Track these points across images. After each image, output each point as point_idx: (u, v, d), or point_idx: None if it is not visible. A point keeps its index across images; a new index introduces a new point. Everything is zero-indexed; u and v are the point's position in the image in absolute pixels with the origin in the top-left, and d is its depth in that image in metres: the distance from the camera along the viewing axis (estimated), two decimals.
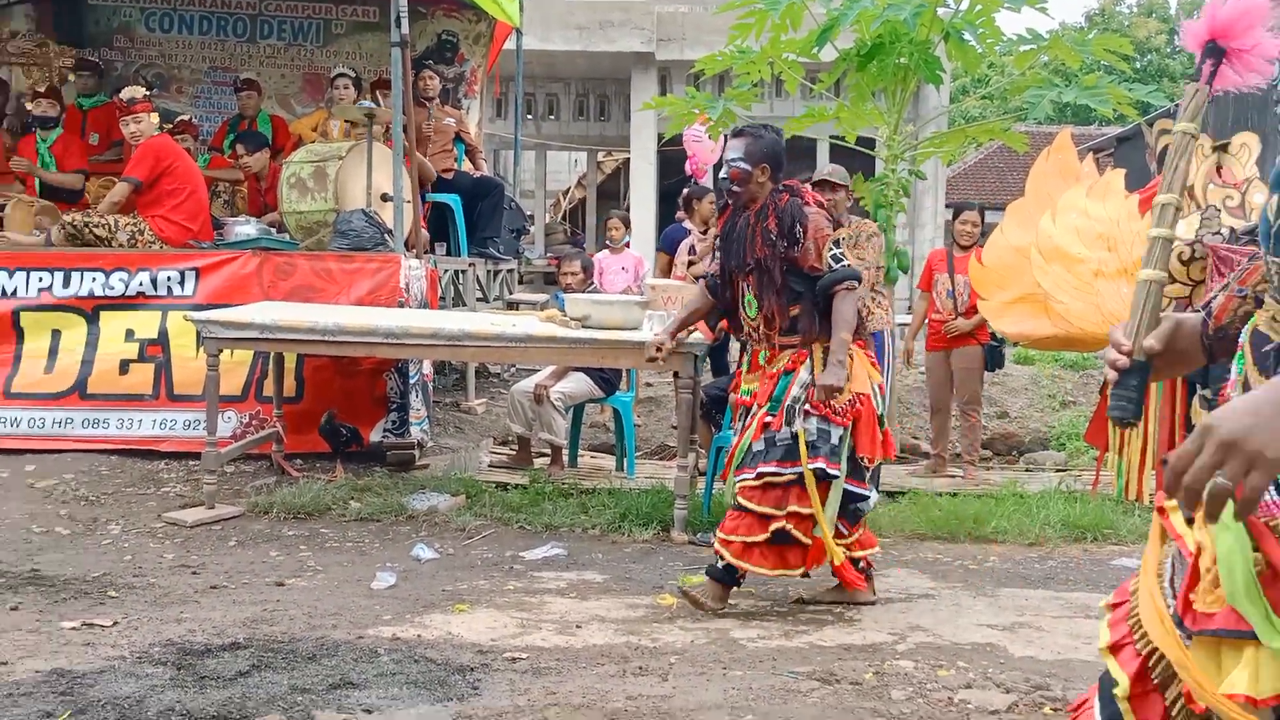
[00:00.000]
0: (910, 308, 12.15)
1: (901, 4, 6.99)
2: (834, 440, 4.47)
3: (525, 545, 5.59)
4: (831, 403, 4.44)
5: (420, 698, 3.50)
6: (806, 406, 4.48)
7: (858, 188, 7.65)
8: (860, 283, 4.63)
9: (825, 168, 7.11)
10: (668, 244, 9.31)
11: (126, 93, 7.39)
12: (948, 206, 16.82)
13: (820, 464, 4.42)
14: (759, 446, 4.52)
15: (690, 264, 8.76)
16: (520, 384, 7.29)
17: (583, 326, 5.98)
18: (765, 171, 4.65)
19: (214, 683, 3.57)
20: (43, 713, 3.29)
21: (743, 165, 4.62)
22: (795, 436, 4.45)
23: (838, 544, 4.52)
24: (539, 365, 7.54)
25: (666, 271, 8.87)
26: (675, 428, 8.38)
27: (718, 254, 4.87)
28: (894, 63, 7.52)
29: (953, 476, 7.49)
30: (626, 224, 9.65)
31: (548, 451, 7.20)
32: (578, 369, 7.01)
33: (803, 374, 4.53)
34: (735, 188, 4.66)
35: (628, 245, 9.66)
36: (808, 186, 4.86)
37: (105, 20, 10.47)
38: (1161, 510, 1.69)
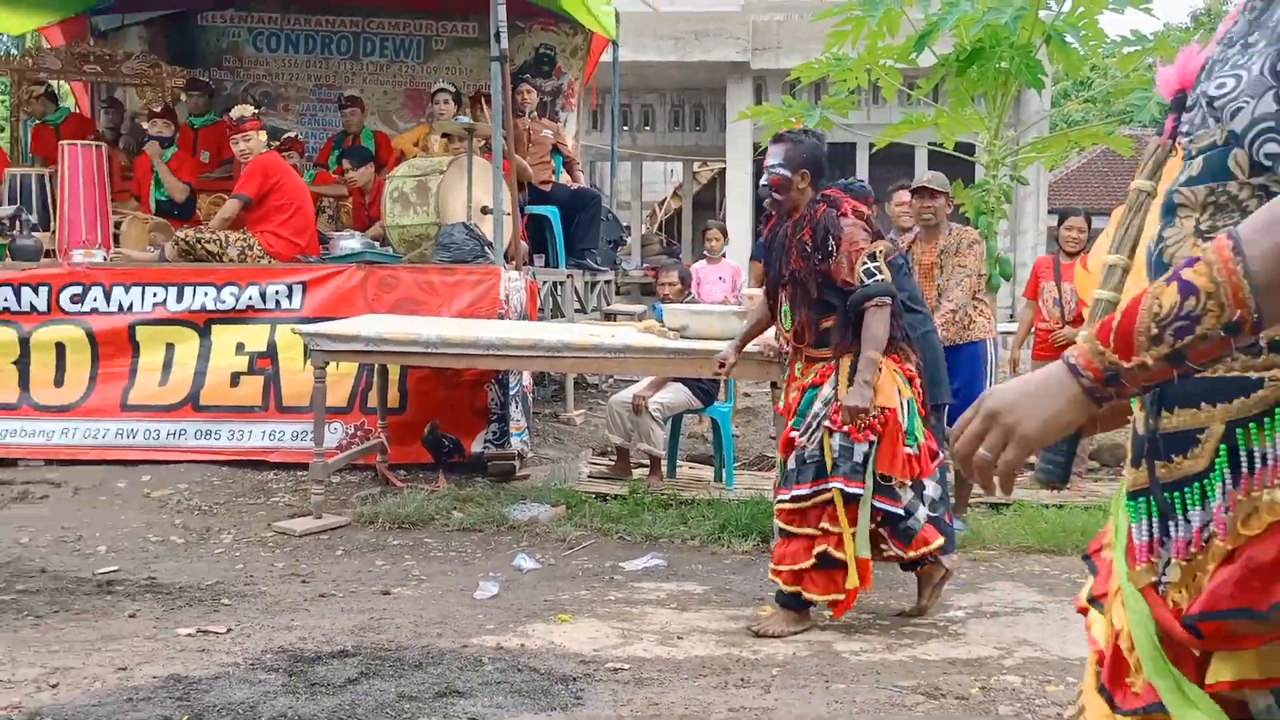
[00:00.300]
0: (1013, 315, 11.96)
1: (1002, 7, 6.88)
2: (856, 458, 4.33)
3: (625, 556, 5.62)
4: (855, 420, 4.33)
5: (524, 707, 3.54)
6: (827, 423, 4.38)
7: (957, 194, 7.55)
8: (893, 299, 4.49)
9: (924, 174, 7.03)
10: (759, 253, 9.28)
11: (236, 111, 7.61)
12: (1051, 212, 16.52)
13: (839, 483, 4.31)
14: (792, 465, 4.44)
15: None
16: (618, 395, 7.32)
17: (681, 337, 5.99)
18: (805, 178, 4.55)
19: (324, 689, 3.65)
20: (161, 717, 3.40)
21: (782, 171, 4.53)
22: (823, 453, 4.36)
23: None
24: (637, 376, 7.56)
25: (761, 280, 8.84)
26: (774, 438, 8.36)
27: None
28: (994, 67, 7.41)
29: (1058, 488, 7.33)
30: (725, 234, 9.63)
31: (646, 462, 7.22)
32: (676, 379, 7.02)
33: (826, 389, 4.43)
34: (775, 195, 4.57)
35: (724, 255, 9.66)
36: (855, 193, 4.72)
37: (215, 41, 10.78)
38: (1082, 609, 1.64)
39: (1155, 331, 1.29)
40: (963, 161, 8.86)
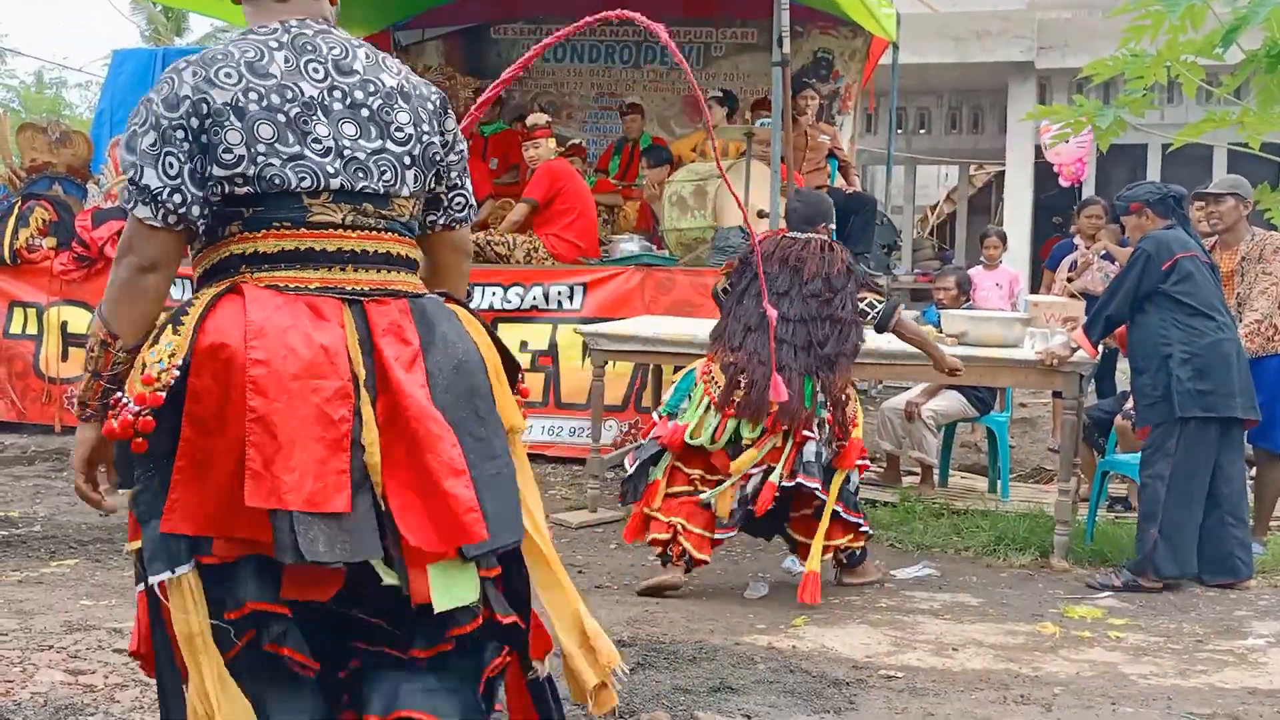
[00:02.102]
0: None
1: None
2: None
3: (896, 564, 5.54)
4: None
5: (797, 707, 3.56)
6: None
7: (1264, 198, 7.07)
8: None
9: (1225, 178, 6.62)
10: (1053, 262, 8.98)
11: (530, 119, 7.94)
12: None
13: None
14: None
15: (1069, 280, 8.40)
16: (891, 401, 7.23)
17: (959, 343, 5.87)
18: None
19: None
20: None
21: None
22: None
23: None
24: (910, 382, 7.44)
25: (1050, 290, 8.56)
26: (1053, 450, 8.05)
27: None
28: None
29: None
30: (1004, 241, 9.37)
31: (917, 470, 7.10)
32: (951, 387, 6.87)
33: None
34: None
35: (1001, 262, 9.39)
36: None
37: (505, 52, 11.26)
38: None
39: None
40: (1268, 163, 8.28)
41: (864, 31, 10.01)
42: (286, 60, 2.19)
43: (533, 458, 6.99)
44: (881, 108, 13.02)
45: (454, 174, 2.41)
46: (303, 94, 2.18)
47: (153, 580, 2.12)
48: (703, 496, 4.79)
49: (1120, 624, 4.65)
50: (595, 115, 11.08)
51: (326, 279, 2.19)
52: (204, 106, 2.12)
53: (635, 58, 10.96)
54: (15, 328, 8.27)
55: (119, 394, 2.13)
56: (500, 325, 7.42)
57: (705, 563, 4.88)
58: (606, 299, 7.32)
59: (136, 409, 2.08)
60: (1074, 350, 5.43)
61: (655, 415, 5.09)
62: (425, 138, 2.29)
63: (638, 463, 4.96)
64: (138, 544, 2.17)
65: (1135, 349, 5.36)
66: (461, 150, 2.42)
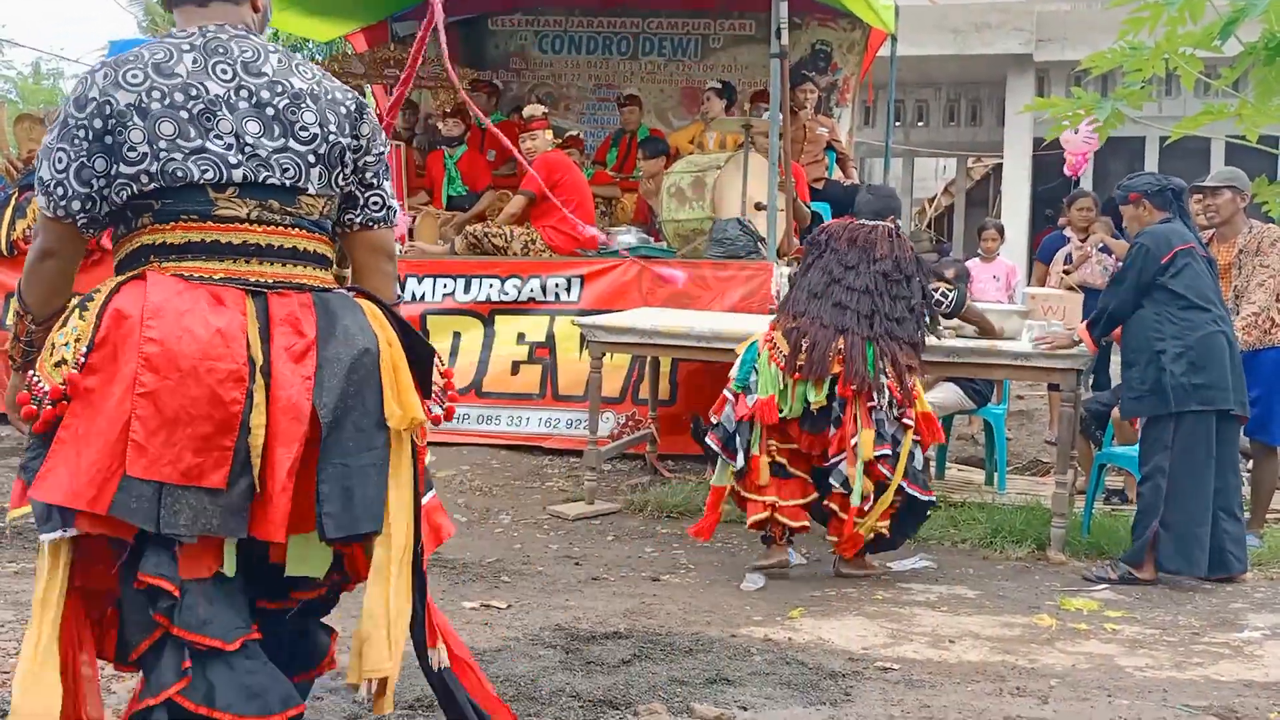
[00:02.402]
0: None
1: None
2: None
3: (892, 555, 5.53)
4: None
5: (794, 700, 3.56)
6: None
7: (1262, 190, 7.07)
8: None
9: (1222, 171, 6.62)
10: (1044, 254, 8.97)
11: (527, 111, 7.92)
12: None
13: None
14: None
15: (1065, 273, 8.40)
16: None
17: (956, 335, 5.87)
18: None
19: (599, 668, 3.77)
20: None
21: None
22: None
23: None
24: None
25: (1043, 282, 8.56)
26: (1050, 443, 8.06)
27: None
28: None
29: None
30: (1001, 234, 9.36)
31: None
32: (948, 379, 6.86)
33: None
34: None
35: (998, 255, 9.38)
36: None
37: (503, 44, 11.25)
38: None
39: None
40: (1266, 156, 8.28)
41: (862, 23, 10.00)
42: (195, 61, 2.32)
43: (530, 449, 7.07)
44: (880, 100, 13.02)
45: (370, 175, 2.51)
46: (208, 92, 2.31)
47: (44, 539, 2.26)
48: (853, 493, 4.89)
49: (1116, 616, 4.65)
50: (593, 107, 11.06)
51: (231, 270, 2.32)
52: (108, 108, 2.26)
53: (633, 49, 10.94)
54: (11, 318, 8.25)
55: (33, 374, 2.31)
56: (498, 317, 7.42)
57: (806, 529, 5.11)
58: (604, 291, 7.32)
59: (51, 403, 2.23)
60: (1076, 342, 5.44)
61: (727, 393, 5.15)
62: (332, 138, 2.39)
63: (721, 441, 5.08)
64: (23, 511, 2.30)
65: (1127, 341, 5.37)
66: (380, 152, 2.52)
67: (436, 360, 2.55)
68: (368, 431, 2.32)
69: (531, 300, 7.41)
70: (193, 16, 2.42)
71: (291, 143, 2.35)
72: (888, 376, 4.90)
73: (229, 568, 2.31)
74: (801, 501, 5.04)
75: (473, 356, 7.43)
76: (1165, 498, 5.09)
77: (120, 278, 2.33)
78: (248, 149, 2.31)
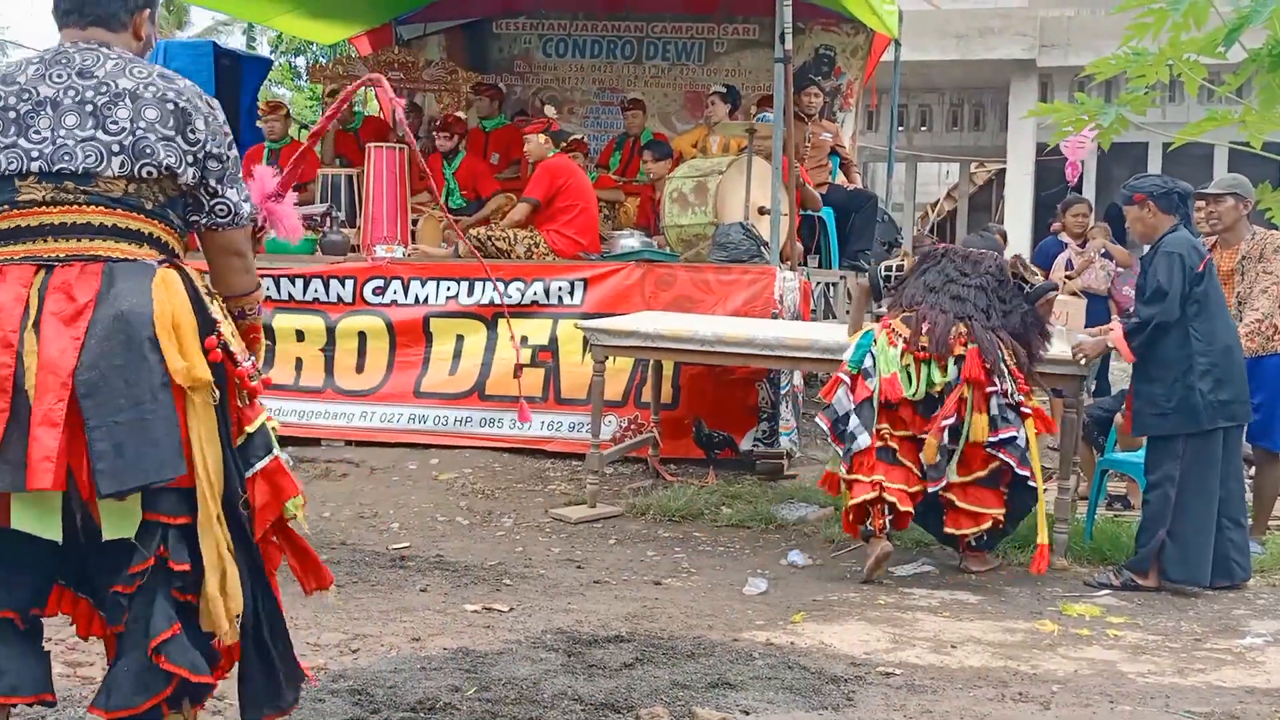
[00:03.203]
0: None
1: None
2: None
3: (895, 560, 5.52)
4: None
5: (796, 704, 3.56)
6: None
7: (1265, 197, 7.06)
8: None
9: (1225, 178, 6.62)
10: (1042, 259, 8.96)
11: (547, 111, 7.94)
12: None
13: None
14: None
15: (1067, 278, 8.40)
16: None
17: None
18: None
19: (601, 672, 3.77)
20: (451, 687, 3.59)
21: None
22: None
23: None
24: None
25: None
26: (1053, 448, 8.04)
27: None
28: None
29: None
30: (1005, 239, 9.37)
31: None
32: None
33: None
34: None
35: None
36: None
37: (507, 47, 11.27)
38: None
39: None
40: (1269, 162, 8.28)
41: (866, 28, 10.02)
42: (36, 69, 2.59)
43: (532, 452, 7.08)
44: (883, 105, 13.01)
45: (213, 181, 2.67)
46: (38, 95, 2.56)
47: None
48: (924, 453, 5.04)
49: (1119, 622, 4.65)
50: (596, 110, 11.07)
51: (30, 249, 2.54)
52: None
53: (637, 53, 10.95)
54: None
55: None
56: (500, 320, 7.41)
57: (910, 515, 5.14)
58: (607, 294, 7.31)
59: None
60: (1109, 349, 5.46)
61: (842, 375, 5.22)
62: (140, 132, 2.56)
63: (833, 421, 5.19)
64: None
65: (1148, 355, 5.22)
66: (222, 159, 2.68)
67: (229, 335, 2.65)
68: (140, 387, 2.45)
69: (535, 303, 7.39)
70: (73, 38, 2.65)
71: (99, 133, 2.54)
72: (1006, 365, 5.07)
73: (54, 534, 2.49)
74: (907, 488, 5.07)
75: (476, 360, 7.42)
76: (1174, 507, 5.08)
77: None
78: (58, 140, 2.53)
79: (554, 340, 7.31)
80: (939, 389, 5.06)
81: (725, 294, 7.15)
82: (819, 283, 8.27)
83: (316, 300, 7.64)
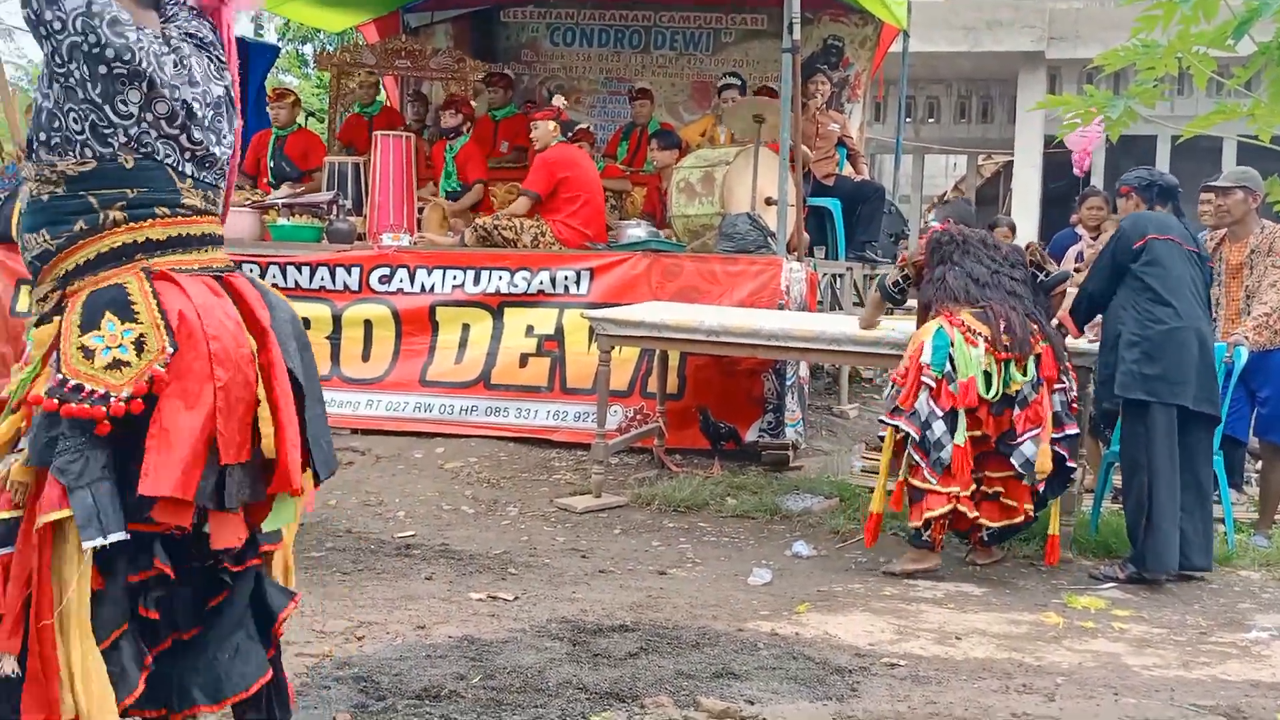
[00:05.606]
0: None
1: None
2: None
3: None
4: None
5: (800, 694, 3.56)
6: None
7: (1274, 191, 7.04)
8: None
9: (1234, 171, 6.60)
10: (1055, 251, 8.94)
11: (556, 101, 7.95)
12: None
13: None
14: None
15: (1076, 270, 8.37)
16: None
17: None
18: None
19: (606, 661, 3.78)
20: (456, 675, 3.60)
21: None
22: None
23: None
24: None
25: None
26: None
27: None
28: None
29: None
30: (1013, 231, 9.35)
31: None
32: None
33: None
34: None
35: None
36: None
37: (515, 36, 11.26)
38: None
39: None
40: (1279, 156, 8.26)
41: (874, 19, 10.00)
42: None
43: (538, 442, 7.08)
44: (891, 96, 13.01)
45: None
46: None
47: (86, 545, 2.26)
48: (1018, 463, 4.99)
49: (1124, 615, 4.65)
50: (604, 100, 11.06)
51: (200, 260, 2.55)
52: None
53: (645, 42, 10.94)
54: (22, 305, 8.26)
55: (61, 377, 2.29)
56: (507, 309, 7.42)
57: (979, 521, 5.12)
58: (613, 284, 7.30)
59: (123, 402, 2.29)
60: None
61: (927, 379, 5.01)
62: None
63: (919, 428, 5.00)
64: (63, 513, 2.26)
65: (1102, 329, 5.41)
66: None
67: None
68: (318, 384, 2.63)
69: (541, 293, 7.39)
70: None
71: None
72: (1067, 363, 5.13)
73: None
74: (969, 493, 5.03)
75: (482, 349, 7.41)
76: (1144, 492, 5.08)
77: (121, 276, 2.40)
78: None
79: (560, 330, 7.30)
80: (1016, 388, 4.99)
81: (731, 284, 7.14)
82: (825, 274, 8.26)
83: (322, 288, 7.64)
